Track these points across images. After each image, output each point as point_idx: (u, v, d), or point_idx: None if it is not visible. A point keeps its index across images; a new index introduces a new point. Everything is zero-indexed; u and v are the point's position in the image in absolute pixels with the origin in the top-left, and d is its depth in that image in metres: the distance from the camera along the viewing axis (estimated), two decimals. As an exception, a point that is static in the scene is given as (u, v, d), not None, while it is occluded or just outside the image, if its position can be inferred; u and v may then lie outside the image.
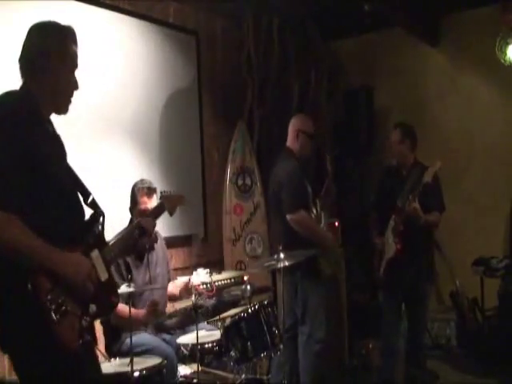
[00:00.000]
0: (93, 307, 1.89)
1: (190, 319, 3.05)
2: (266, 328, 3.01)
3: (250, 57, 4.92)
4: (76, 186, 2.03)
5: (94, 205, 2.05)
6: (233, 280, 4.07)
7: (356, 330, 4.71)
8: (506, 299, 4.56)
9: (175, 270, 4.03)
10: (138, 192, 3.26)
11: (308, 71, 5.32)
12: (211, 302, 3.15)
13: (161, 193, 2.83)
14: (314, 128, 3.83)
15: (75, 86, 2.03)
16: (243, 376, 2.99)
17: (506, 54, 4.63)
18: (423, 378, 3.99)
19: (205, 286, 3.85)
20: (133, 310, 2.85)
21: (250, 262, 4.62)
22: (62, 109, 2.02)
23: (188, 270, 4.29)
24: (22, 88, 1.96)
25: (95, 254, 1.94)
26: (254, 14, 4.89)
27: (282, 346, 3.06)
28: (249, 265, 4.59)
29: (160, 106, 4.21)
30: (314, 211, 3.70)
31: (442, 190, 3.85)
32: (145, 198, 3.23)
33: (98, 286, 1.90)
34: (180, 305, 3.47)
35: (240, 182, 4.76)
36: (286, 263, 3.17)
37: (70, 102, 2.03)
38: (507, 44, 4.61)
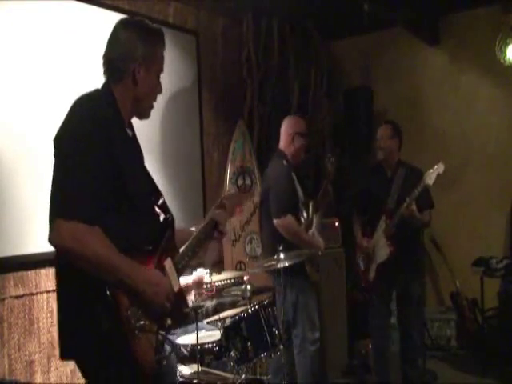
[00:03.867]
0: (168, 321, 1.83)
1: (189, 319, 3.05)
2: (265, 328, 3.01)
3: (250, 56, 4.92)
4: (150, 188, 1.97)
5: (164, 208, 1.96)
6: (233, 280, 4.07)
7: (356, 330, 4.71)
8: (506, 299, 4.56)
9: (175, 270, 4.02)
10: None
11: (308, 71, 5.32)
12: (211, 302, 3.14)
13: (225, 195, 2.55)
14: (307, 128, 3.80)
15: (159, 91, 1.96)
16: (243, 376, 2.98)
17: (505, 54, 4.63)
18: (422, 378, 4.00)
19: (205, 286, 3.85)
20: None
21: (250, 262, 4.62)
22: (144, 114, 1.97)
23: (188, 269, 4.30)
24: (103, 88, 1.87)
25: (168, 263, 1.86)
26: (253, 13, 4.88)
27: (282, 347, 3.05)
28: (249, 265, 4.59)
29: (160, 105, 4.20)
30: (305, 215, 3.66)
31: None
32: None
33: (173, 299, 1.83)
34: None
35: (240, 182, 4.75)
36: (286, 263, 3.17)
37: (152, 106, 1.96)
38: (507, 44, 4.61)
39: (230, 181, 4.71)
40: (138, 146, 2.00)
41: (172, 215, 1.97)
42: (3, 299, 3.14)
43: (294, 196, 3.59)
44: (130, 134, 1.94)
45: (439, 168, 3.55)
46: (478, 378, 4.28)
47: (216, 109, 4.81)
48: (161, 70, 1.96)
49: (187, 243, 2.05)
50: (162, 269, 1.82)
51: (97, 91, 1.85)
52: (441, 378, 4.32)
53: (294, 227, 3.49)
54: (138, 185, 1.84)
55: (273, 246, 3.39)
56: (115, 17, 3.84)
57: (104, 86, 1.88)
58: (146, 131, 4.07)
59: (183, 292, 1.98)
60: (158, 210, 1.94)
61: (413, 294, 3.81)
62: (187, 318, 2.08)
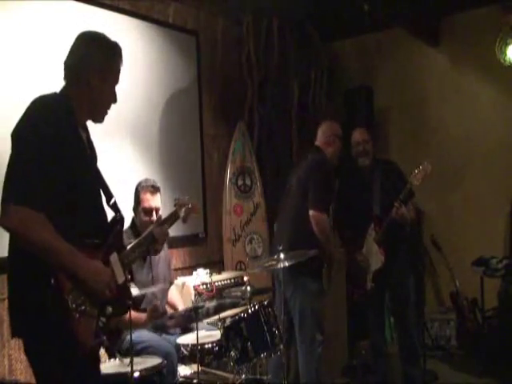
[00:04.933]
0: (109, 308, 1.95)
1: (190, 319, 3.05)
2: (265, 328, 3.00)
3: (250, 57, 4.92)
4: (101, 188, 2.10)
5: (115, 207, 2.11)
6: (233, 280, 4.08)
7: (356, 330, 4.71)
8: (506, 299, 4.56)
9: (175, 270, 4.03)
10: (142, 190, 3.27)
11: (308, 71, 5.32)
12: (211, 302, 3.14)
13: (175, 200, 2.75)
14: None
15: (113, 100, 2.10)
16: (243, 376, 2.98)
17: (505, 54, 4.63)
18: (422, 378, 4.00)
19: (205, 286, 3.85)
20: (134, 313, 2.88)
21: (250, 262, 4.63)
22: (98, 118, 2.10)
23: (188, 270, 4.30)
24: (61, 91, 2.02)
25: (114, 257, 2.00)
26: (253, 13, 4.89)
27: (282, 347, 3.05)
28: (249, 265, 4.59)
29: (160, 106, 4.21)
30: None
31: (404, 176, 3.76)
32: (148, 196, 3.25)
33: (115, 288, 1.95)
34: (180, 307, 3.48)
35: (240, 182, 4.76)
36: (286, 263, 3.16)
37: (106, 113, 2.10)
38: (507, 44, 4.61)
39: (230, 181, 4.71)
40: (92, 147, 2.12)
41: (122, 215, 2.11)
42: (3, 299, 3.14)
43: (331, 195, 3.58)
44: (84, 135, 2.06)
45: (426, 168, 3.51)
46: (478, 378, 4.28)
47: (216, 109, 4.81)
48: (116, 81, 2.10)
49: (131, 244, 2.25)
50: (107, 262, 1.97)
51: (54, 93, 2.00)
52: (441, 378, 4.32)
53: (327, 224, 3.47)
54: (86, 183, 1.98)
55: (299, 236, 3.44)
56: (115, 17, 3.88)
57: (62, 89, 2.02)
58: (147, 131, 4.09)
59: (127, 284, 2.12)
60: (109, 209, 2.09)
61: (404, 293, 3.80)
62: (128, 309, 2.22)
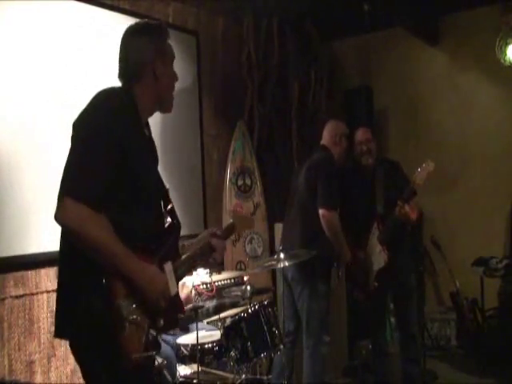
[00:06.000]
0: (160, 321, 1.83)
1: (189, 319, 3.05)
2: (266, 328, 3.01)
3: (250, 56, 4.92)
4: (161, 192, 2.00)
5: (172, 213, 2.00)
6: (233, 280, 4.08)
7: (356, 330, 4.71)
8: (506, 299, 4.57)
9: (175, 270, 4.03)
10: None
11: (308, 71, 5.32)
12: (211, 302, 3.14)
13: (232, 212, 2.64)
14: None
15: (176, 78, 2.02)
16: (243, 376, 2.98)
17: (505, 54, 4.63)
18: (422, 378, 4.00)
19: (205, 286, 3.85)
20: None
21: (250, 262, 4.62)
22: (168, 107, 2.02)
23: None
24: (123, 87, 1.93)
25: (168, 266, 1.88)
26: (253, 13, 4.89)
27: (282, 347, 3.05)
28: (249, 265, 4.59)
29: (160, 105, 4.21)
30: None
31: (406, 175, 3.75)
32: None
33: (169, 299, 1.84)
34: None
35: (240, 182, 4.75)
36: (286, 263, 3.17)
37: (172, 98, 2.02)
38: (507, 44, 4.61)
39: (229, 181, 4.71)
40: (154, 147, 2.03)
41: (179, 222, 1.99)
42: (3, 299, 3.14)
43: (340, 192, 3.56)
44: (147, 133, 1.97)
45: (429, 166, 3.48)
46: (478, 378, 4.28)
47: (216, 109, 4.81)
48: (173, 56, 2.02)
49: (185, 256, 2.09)
50: (162, 271, 1.85)
51: (118, 88, 1.92)
52: (441, 378, 4.32)
53: (338, 222, 3.45)
54: (149, 185, 1.87)
55: (309, 235, 3.43)
56: (115, 17, 3.88)
57: (123, 85, 1.94)
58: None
59: (180, 297, 2.00)
60: (166, 214, 1.98)
61: (408, 290, 3.79)
62: (179, 323, 2.07)
